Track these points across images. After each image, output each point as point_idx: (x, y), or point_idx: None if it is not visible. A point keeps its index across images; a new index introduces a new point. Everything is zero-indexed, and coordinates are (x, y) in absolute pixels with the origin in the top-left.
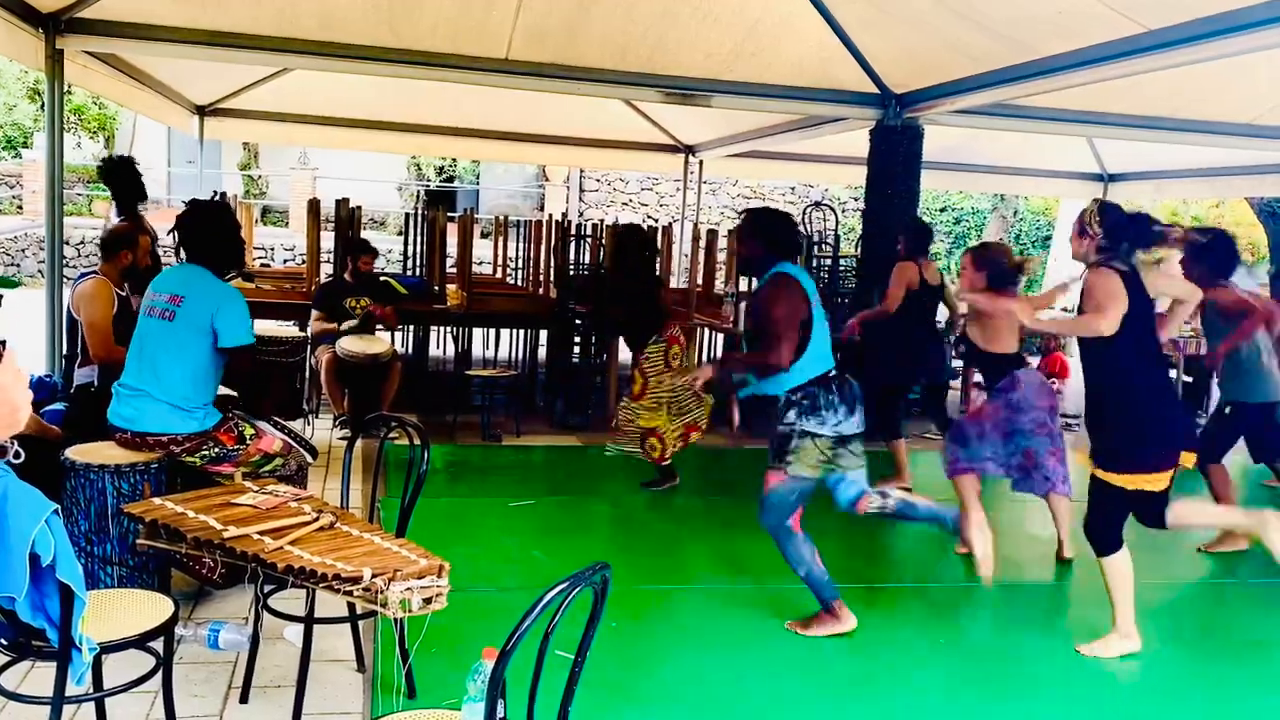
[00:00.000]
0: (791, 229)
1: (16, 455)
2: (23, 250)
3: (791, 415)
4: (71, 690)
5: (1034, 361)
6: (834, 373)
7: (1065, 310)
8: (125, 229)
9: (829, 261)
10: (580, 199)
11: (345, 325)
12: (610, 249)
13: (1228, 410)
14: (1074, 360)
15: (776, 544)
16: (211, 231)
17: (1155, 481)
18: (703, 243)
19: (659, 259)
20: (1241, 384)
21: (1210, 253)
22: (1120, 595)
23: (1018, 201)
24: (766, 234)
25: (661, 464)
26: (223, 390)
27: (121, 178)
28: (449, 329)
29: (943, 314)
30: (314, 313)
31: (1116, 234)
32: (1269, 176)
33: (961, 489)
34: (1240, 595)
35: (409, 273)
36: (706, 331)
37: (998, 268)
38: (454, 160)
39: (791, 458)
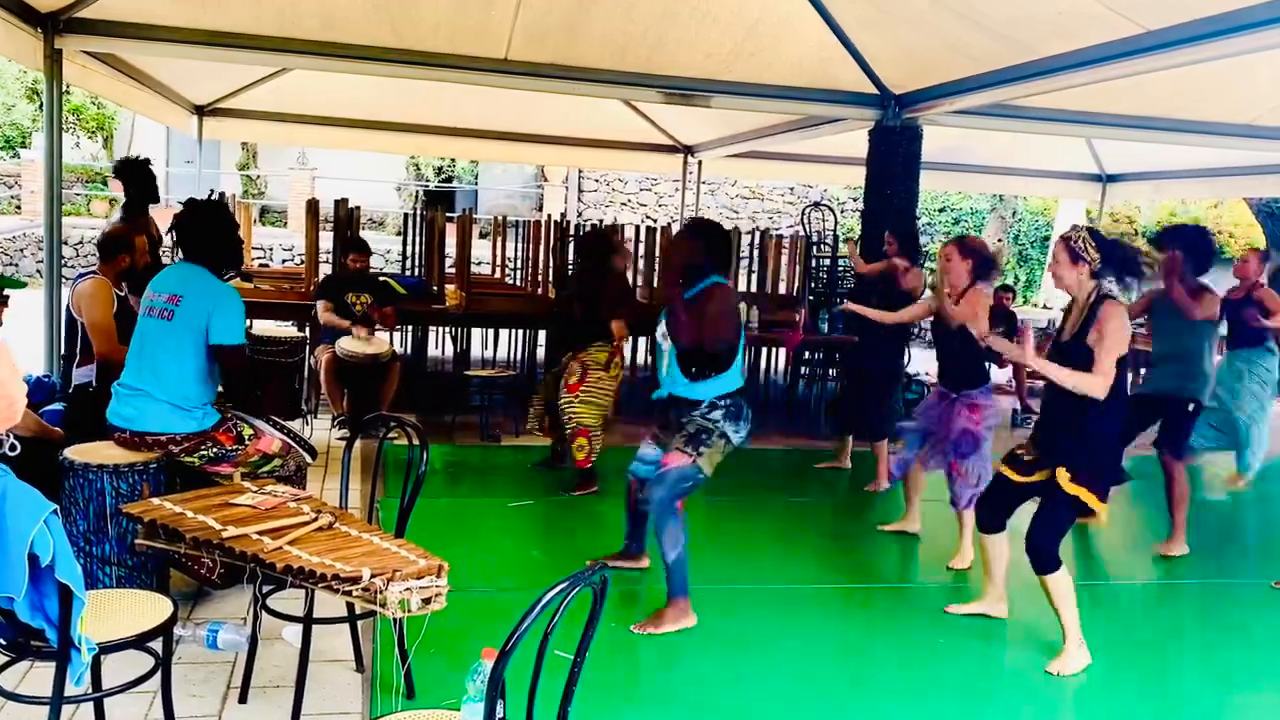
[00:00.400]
0: (730, 245)
1: (12, 448)
2: (21, 250)
3: (717, 415)
4: (70, 690)
5: None
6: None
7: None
8: (120, 231)
9: (827, 262)
10: (579, 199)
11: (357, 333)
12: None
13: (1190, 408)
14: None
15: (655, 521)
16: (209, 231)
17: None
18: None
19: (656, 259)
20: (1199, 384)
21: (1195, 252)
22: (1068, 608)
23: (1016, 202)
24: (712, 244)
25: (584, 467)
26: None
27: (137, 177)
28: (448, 329)
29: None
30: (321, 303)
31: (1111, 258)
32: (1268, 177)
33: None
34: (1183, 596)
35: (408, 273)
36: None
37: (981, 257)
38: (452, 160)
39: (705, 449)
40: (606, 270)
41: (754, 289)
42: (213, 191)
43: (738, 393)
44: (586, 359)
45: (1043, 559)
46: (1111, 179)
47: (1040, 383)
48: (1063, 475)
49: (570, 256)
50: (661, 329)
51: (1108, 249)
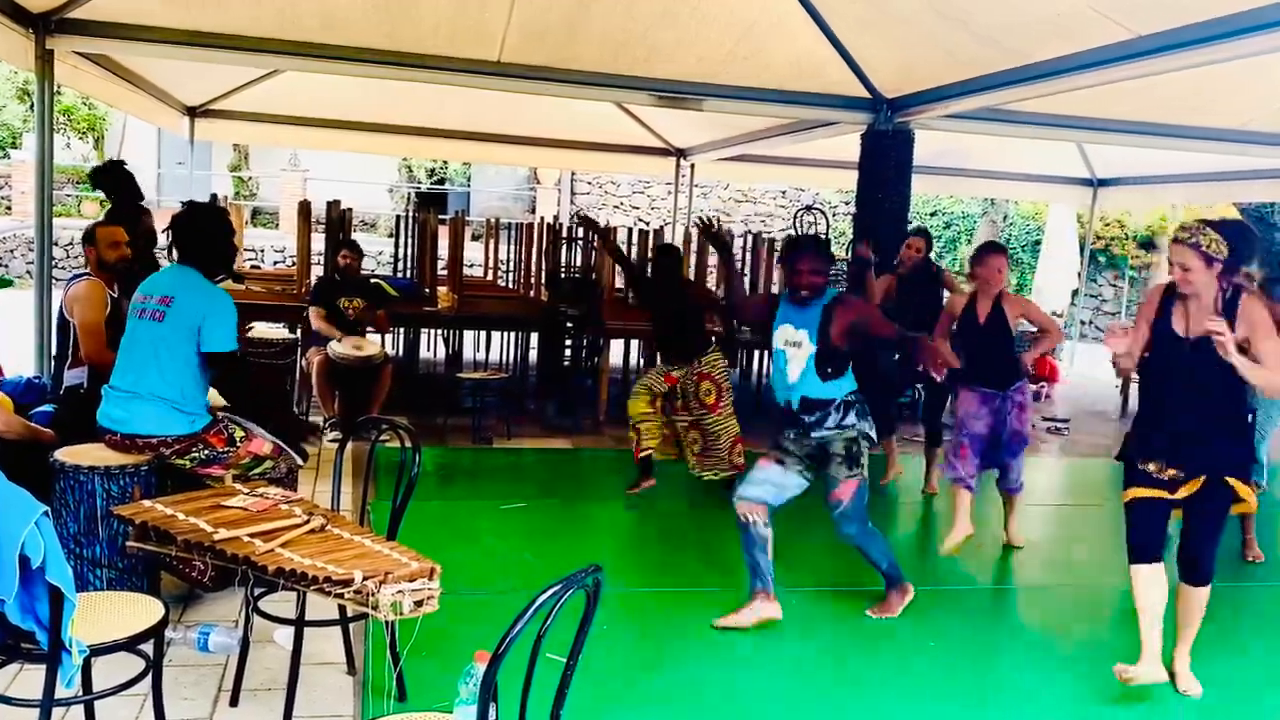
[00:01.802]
0: None
1: None
2: (11, 251)
3: (852, 417)
4: (61, 693)
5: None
6: None
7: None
8: (88, 229)
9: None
10: (571, 202)
11: (346, 343)
12: (652, 264)
13: None
14: (1062, 365)
15: (862, 550)
16: (205, 234)
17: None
18: (694, 246)
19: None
20: None
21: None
22: (1198, 623)
23: (1008, 206)
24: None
25: (741, 470)
26: (215, 398)
27: (114, 181)
28: (440, 331)
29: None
30: (313, 309)
31: (1242, 250)
32: (1258, 182)
33: (957, 500)
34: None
35: (400, 275)
36: None
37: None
38: (445, 162)
39: (863, 461)
40: (681, 280)
41: (747, 292)
42: (214, 196)
43: (858, 389)
44: (717, 374)
45: (1207, 571)
46: (1103, 183)
47: (1031, 386)
48: (1235, 482)
49: (578, 259)
50: (788, 335)
51: (1235, 238)
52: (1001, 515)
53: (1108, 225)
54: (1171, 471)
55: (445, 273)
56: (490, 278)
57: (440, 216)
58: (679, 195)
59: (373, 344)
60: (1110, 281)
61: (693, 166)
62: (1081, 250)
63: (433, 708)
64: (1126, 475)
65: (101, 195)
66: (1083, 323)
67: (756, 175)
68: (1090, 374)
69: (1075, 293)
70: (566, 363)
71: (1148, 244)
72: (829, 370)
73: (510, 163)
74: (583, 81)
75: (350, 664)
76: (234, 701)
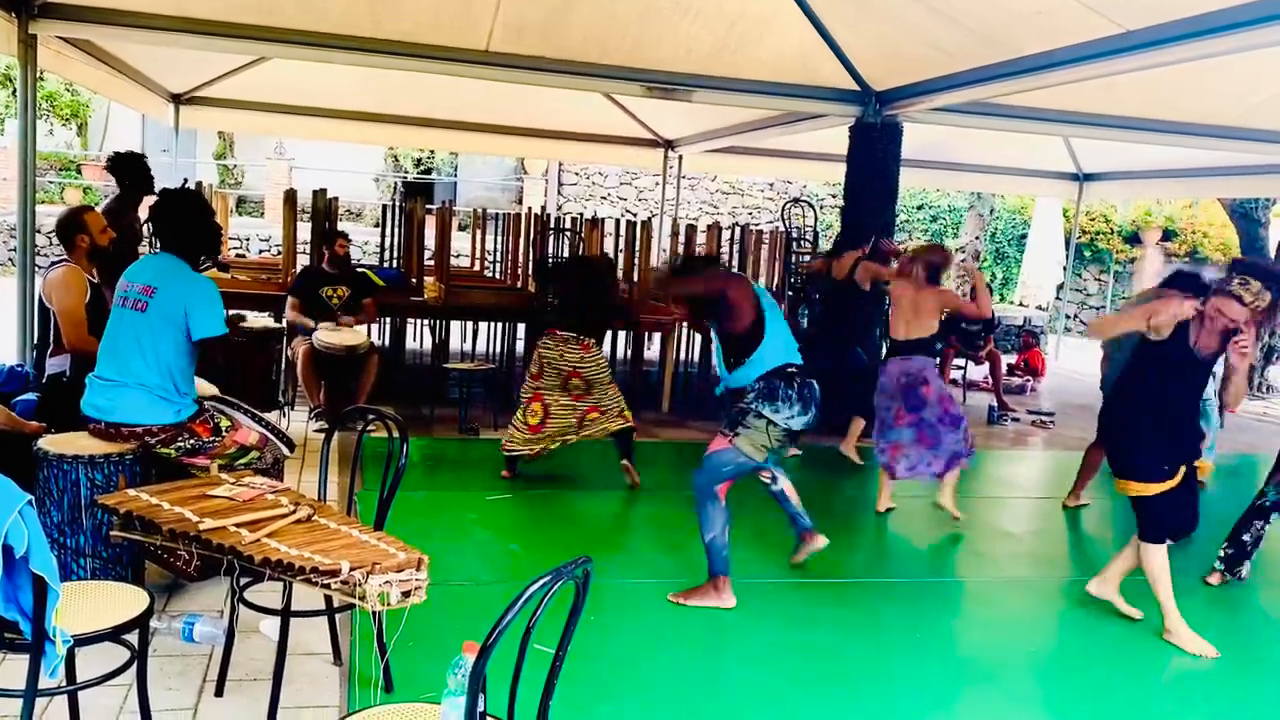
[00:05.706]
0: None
1: None
2: None
3: (750, 397)
4: (44, 683)
5: (1010, 359)
6: (795, 369)
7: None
8: (69, 214)
9: (807, 258)
10: (559, 192)
11: (321, 328)
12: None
13: None
14: (1047, 358)
15: (696, 503)
16: (185, 220)
17: None
18: (681, 238)
19: (638, 254)
20: None
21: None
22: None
23: (994, 199)
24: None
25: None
26: (207, 386)
27: (131, 171)
28: (426, 321)
29: None
30: (290, 299)
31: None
32: (1242, 178)
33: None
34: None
35: (386, 264)
36: (684, 328)
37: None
38: (432, 152)
39: (742, 430)
40: (610, 296)
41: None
42: (186, 180)
43: (776, 372)
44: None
45: None
46: (1088, 178)
47: (1016, 380)
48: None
49: (565, 249)
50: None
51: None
52: (988, 509)
53: (1093, 219)
54: None
55: (432, 263)
56: (477, 268)
57: (427, 206)
58: (667, 187)
59: (358, 334)
60: (1095, 276)
61: (680, 158)
62: (1067, 244)
63: (420, 698)
64: (1154, 471)
65: (85, 183)
66: (1068, 317)
67: (744, 167)
68: (1075, 368)
69: (1060, 287)
70: None
71: (1133, 239)
72: (731, 361)
73: (497, 153)
74: (571, 71)
75: (336, 655)
76: (219, 692)
